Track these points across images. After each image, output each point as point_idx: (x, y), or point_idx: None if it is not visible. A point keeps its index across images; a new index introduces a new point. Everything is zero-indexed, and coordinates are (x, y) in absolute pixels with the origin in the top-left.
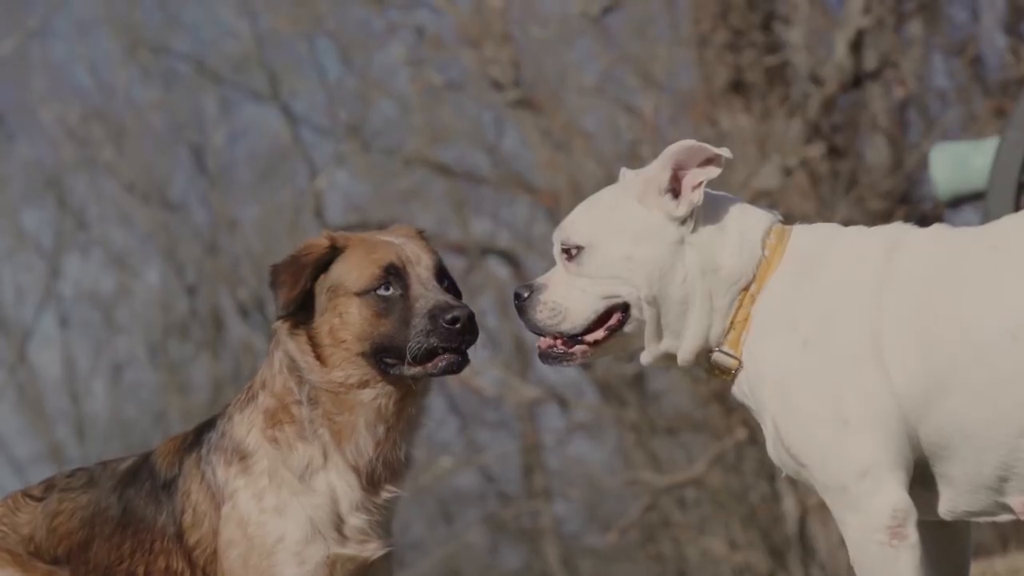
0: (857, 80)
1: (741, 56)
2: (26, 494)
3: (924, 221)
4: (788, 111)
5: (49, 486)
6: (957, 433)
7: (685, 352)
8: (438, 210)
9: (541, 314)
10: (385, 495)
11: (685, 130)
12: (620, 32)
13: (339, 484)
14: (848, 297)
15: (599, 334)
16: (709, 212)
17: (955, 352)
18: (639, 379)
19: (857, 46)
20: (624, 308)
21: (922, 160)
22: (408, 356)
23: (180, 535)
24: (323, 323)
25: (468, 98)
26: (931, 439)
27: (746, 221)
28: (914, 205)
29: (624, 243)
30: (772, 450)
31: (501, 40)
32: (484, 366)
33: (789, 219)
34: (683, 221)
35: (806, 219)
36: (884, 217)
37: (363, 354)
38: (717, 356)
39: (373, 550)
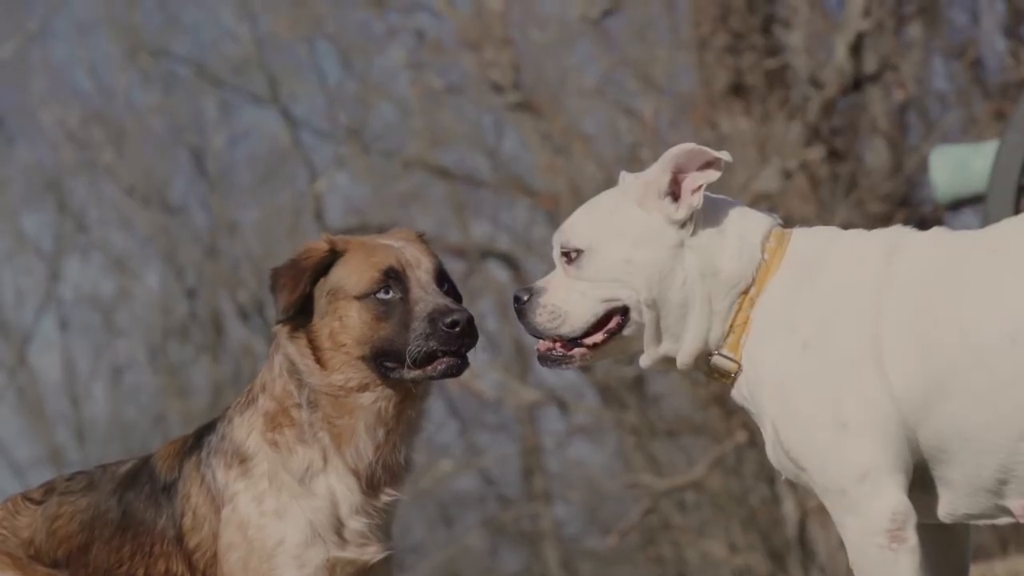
0: (857, 83)
1: (741, 59)
2: (26, 497)
3: (924, 224)
4: (788, 114)
5: (49, 489)
6: (956, 436)
7: (684, 355)
8: (438, 213)
9: (540, 317)
10: (385, 498)
11: (685, 133)
12: (620, 35)
13: (339, 487)
14: (847, 300)
15: (598, 337)
16: (709, 215)
17: (954, 355)
18: (639, 382)
19: (857, 49)
20: (623, 311)
21: (922, 163)
22: (408, 359)
23: (180, 538)
24: (323, 327)
25: (468, 101)
26: (930, 442)
27: (746, 224)
28: (914, 208)
29: (624, 246)
30: (772, 453)
31: (501, 43)
32: (484, 369)
33: (789, 222)
34: (683, 224)
35: (806, 222)
36: (884, 220)
37: (363, 358)
38: (716, 359)
39: (373, 553)
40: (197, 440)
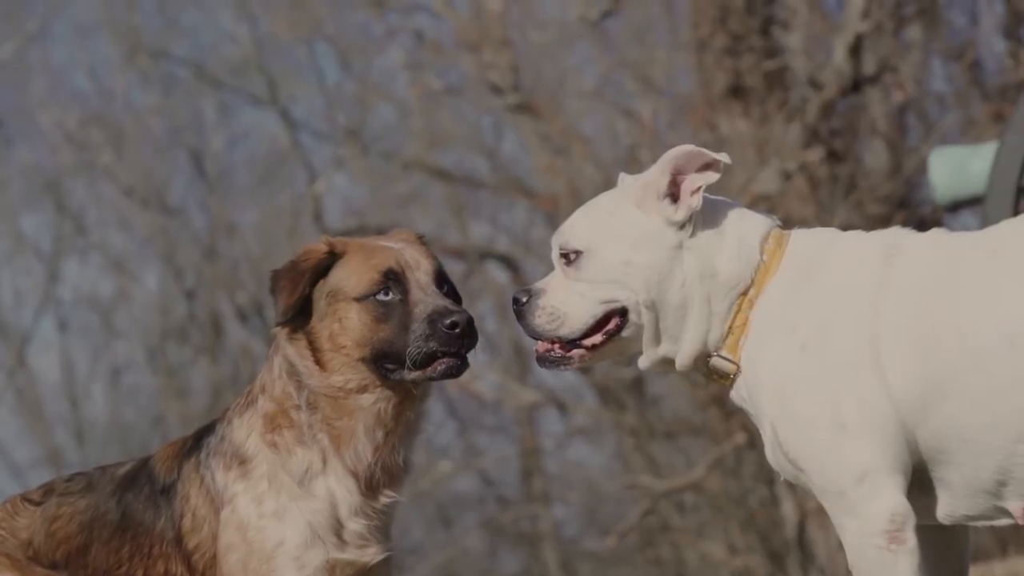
0: (856, 84)
1: (740, 60)
2: (25, 498)
3: (923, 225)
4: (787, 115)
5: (48, 490)
6: (955, 438)
7: (683, 357)
8: (437, 214)
9: (540, 319)
10: (384, 500)
11: (684, 134)
12: (619, 36)
13: (338, 489)
14: (846, 302)
15: (597, 338)
16: (708, 217)
17: (953, 357)
18: (638, 383)
19: (856, 50)
20: (622, 313)
21: (921, 164)
22: (408, 361)
23: (179, 539)
24: (322, 328)
25: (467, 102)
26: (929, 444)
27: (744, 226)
28: (913, 209)
29: (623, 248)
30: (771, 454)
31: (500, 44)
32: (483, 370)
33: (788, 223)
34: (682, 226)
35: (805, 223)
36: (883, 221)
37: (363, 359)
38: (715, 361)
39: (372, 555)
40: (196, 441)
